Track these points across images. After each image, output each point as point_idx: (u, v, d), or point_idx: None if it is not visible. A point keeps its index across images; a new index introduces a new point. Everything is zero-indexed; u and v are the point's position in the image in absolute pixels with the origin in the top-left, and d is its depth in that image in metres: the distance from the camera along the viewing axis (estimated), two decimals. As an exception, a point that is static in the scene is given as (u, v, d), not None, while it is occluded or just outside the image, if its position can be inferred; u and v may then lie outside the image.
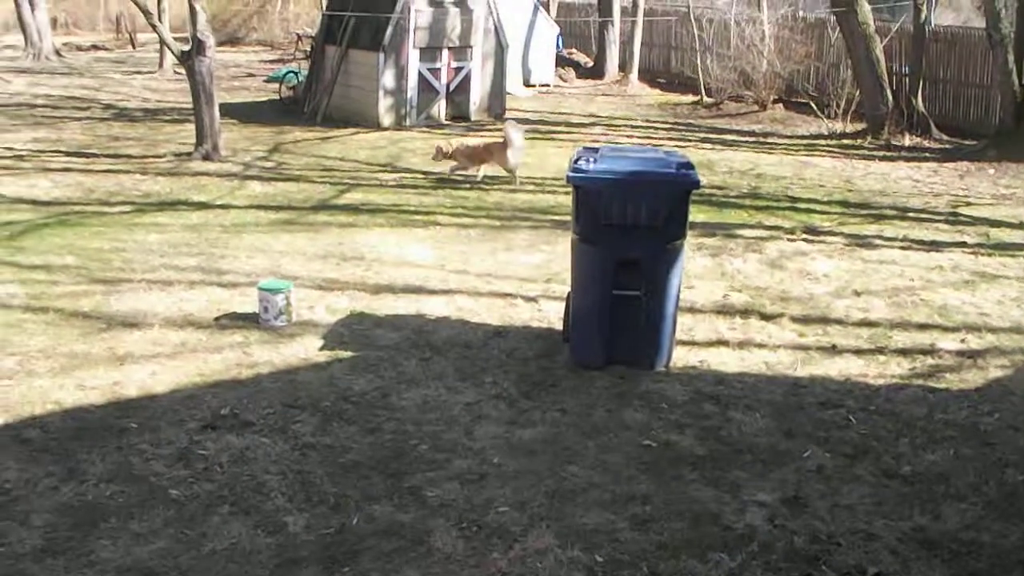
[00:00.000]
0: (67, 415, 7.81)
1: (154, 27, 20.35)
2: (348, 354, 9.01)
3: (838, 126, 22.17)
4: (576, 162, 8.41)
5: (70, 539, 6.10)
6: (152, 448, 7.24)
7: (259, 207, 14.68)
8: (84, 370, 8.63)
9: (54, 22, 46.65)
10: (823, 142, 21.36)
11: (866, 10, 21.45)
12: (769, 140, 21.60)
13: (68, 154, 18.93)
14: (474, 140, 17.07)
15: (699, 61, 27.10)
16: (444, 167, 16.50)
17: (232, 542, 6.07)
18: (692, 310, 10.13)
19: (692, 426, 7.69)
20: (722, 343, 9.45)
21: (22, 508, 6.45)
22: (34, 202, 15.00)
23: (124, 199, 15.27)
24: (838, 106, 22.31)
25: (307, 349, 9.15)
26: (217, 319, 9.85)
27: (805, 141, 21.57)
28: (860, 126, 21.87)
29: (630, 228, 8.27)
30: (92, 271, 11.41)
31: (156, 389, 8.24)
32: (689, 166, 8.41)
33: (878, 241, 13.10)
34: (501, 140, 16.33)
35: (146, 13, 19.54)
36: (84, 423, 7.65)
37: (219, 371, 8.67)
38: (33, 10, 38.83)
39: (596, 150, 8.87)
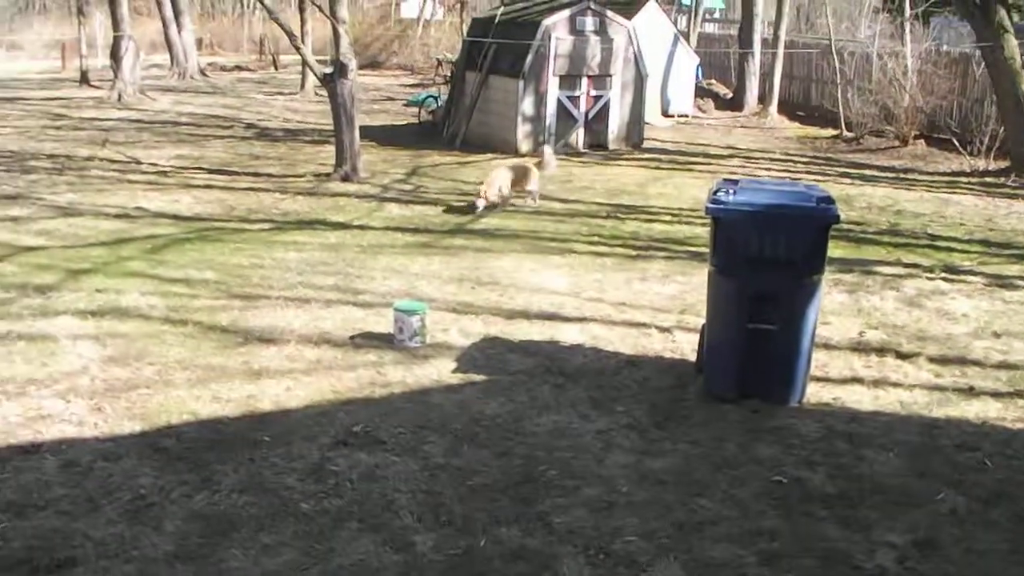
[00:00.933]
0: (202, 426, 7.97)
1: (298, 49, 20.73)
2: (481, 377, 9.07)
3: (981, 163, 21.77)
4: (715, 193, 8.36)
5: (201, 547, 6.22)
6: (284, 462, 7.36)
7: (396, 229, 14.86)
8: (220, 382, 8.80)
9: (199, 43, 47.76)
10: (965, 179, 20.98)
11: (1012, 44, 21.02)
12: (909, 176, 21.28)
13: (210, 171, 19.38)
14: (501, 170, 16.86)
15: (839, 95, 26.85)
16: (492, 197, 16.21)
17: (360, 558, 6.14)
18: (827, 346, 10.01)
19: (824, 463, 7.59)
20: (857, 381, 9.31)
21: (156, 514, 6.60)
22: (176, 217, 15.37)
23: (264, 217, 15.57)
24: (981, 143, 21.91)
25: (440, 371, 9.22)
26: (352, 338, 9.97)
27: (946, 178, 21.20)
28: (1004, 164, 21.42)
29: (768, 261, 8.21)
30: (231, 286, 11.64)
31: (290, 404, 8.37)
32: (829, 200, 8.32)
33: (1020, 282, 12.82)
34: (529, 164, 17.20)
35: (290, 35, 19.89)
36: (219, 434, 7.80)
37: (352, 389, 8.78)
38: (180, 31, 39.79)
39: (736, 182, 8.81)
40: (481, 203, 15.86)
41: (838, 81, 27.18)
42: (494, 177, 16.35)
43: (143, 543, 6.24)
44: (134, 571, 5.93)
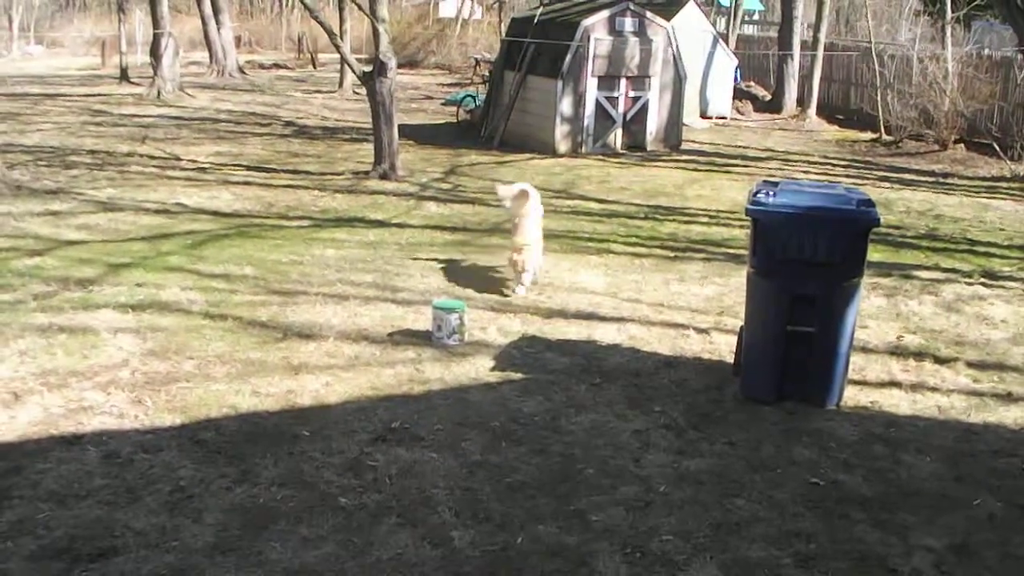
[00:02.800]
0: (242, 419, 8.02)
1: (337, 47, 20.82)
2: (519, 376, 9.10)
3: (1021, 168, 21.67)
4: (755, 195, 8.36)
5: (240, 538, 6.27)
6: (323, 456, 7.41)
7: (434, 227, 14.91)
8: (259, 377, 8.86)
9: (238, 40, 48.01)
10: (1005, 184, 20.89)
11: (1056, 50, 20.95)
12: (949, 181, 21.20)
13: (249, 168, 19.48)
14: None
15: (879, 98, 26.72)
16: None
17: (398, 552, 6.18)
18: (865, 350, 9.99)
19: (861, 466, 7.58)
20: (894, 384, 9.28)
21: (196, 506, 6.65)
22: (215, 213, 15.46)
23: (302, 214, 15.64)
24: (1022, 148, 21.79)
25: (478, 369, 9.26)
26: (390, 335, 10.02)
27: (986, 183, 21.12)
28: (1045, 169, 21.33)
29: (807, 264, 8.19)
30: (270, 282, 11.70)
31: (329, 399, 8.41)
32: (870, 203, 8.30)
33: (1060, 289, 12.78)
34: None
35: (331, 34, 19.95)
36: (258, 428, 7.85)
37: (391, 385, 8.81)
38: (219, 28, 40.04)
39: (775, 184, 8.81)
40: (527, 279, 11.77)
41: (878, 84, 27.07)
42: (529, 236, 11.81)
43: (183, 534, 6.29)
44: (174, 561, 5.98)
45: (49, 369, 8.89)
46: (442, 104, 31.43)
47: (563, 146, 22.53)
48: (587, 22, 22.22)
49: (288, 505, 6.69)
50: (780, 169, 21.13)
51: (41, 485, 6.85)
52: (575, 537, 6.41)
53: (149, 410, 8.12)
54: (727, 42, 32.81)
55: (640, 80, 23.10)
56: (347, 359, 9.39)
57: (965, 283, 12.75)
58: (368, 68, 19.18)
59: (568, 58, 22.15)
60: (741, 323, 9.15)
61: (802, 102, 31.16)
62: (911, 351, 10.14)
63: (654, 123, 23.57)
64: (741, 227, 14.86)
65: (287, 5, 64.09)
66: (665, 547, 6.33)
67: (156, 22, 32.96)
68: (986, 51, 27.80)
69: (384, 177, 18.51)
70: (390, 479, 7.09)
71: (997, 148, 22.81)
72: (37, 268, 11.96)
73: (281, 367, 9.11)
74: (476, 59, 36.53)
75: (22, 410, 8.05)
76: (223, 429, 7.82)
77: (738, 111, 31.06)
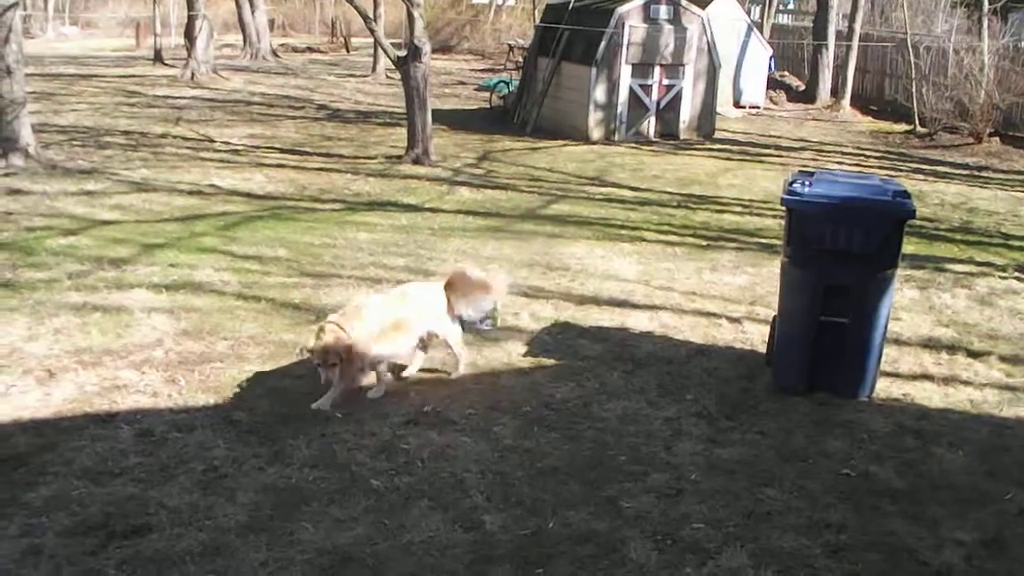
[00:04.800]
0: (275, 400, 8.06)
1: (372, 31, 20.83)
2: (551, 362, 9.10)
3: (1057, 163, 21.56)
4: (791, 185, 8.33)
5: (272, 518, 6.31)
6: (356, 438, 7.43)
7: (467, 212, 14.93)
8: (292, 358, 8.88)
9: (272, 24, 48.11)
10: (1041, 178, 20.78)
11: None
12: (983, 174, 21.09)
13: (282, 151, 19.54)
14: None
15: (914, 89, 26.58)
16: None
17: (430, 535, 6.19)
18: (897, 342, 9.96)
19: (892, 459, 7.55)
20: (926, 377, 9.24)
21: (229, 485, 6.70)
22: (248, 195, 15.52)
23: (335, 197, 15.69)
24: (1058, 142, 21.70)
25: (511, 354, 9.27)
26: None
27: (1021, 176, 20.99)
28: (1081, 163, 21.20)
29: (842, 254, 8.15)
30: (302, 264, 11.74)
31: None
32: (905, 194, 8.26)
33: (1095, 283, 12.71)
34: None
35: (365, 17, 19.96)
36: (291, 409, 7.88)
37: (423, 369, 8.83)
38: (253, 11, 40.11)
39: (811, 174, 8.78)
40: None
41: (913, 76, 26.91)
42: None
43: (216, 513, 6.33)
44: (207, 539, 6.02)
45: (83, 347, 8.95)
46: (475, 90, 31.45)
47: (596, 133, 22.53)
48: (622, 9, 22.18)
49: (320, 486, 6.72)
50: (813, 160, 21.05)
51: (75, 462, 6.90)
52: (606, 523, 6.42)
53: (183, 389, 8.17)
54: (761, 31, 32.70)
55: (674, 68, 23.06)
56: (380, 342, 9.40)
57: (999, 277, 12.69)
58: (402, 53, 19.19)
59: (602, 45, 22.12)
60: (774, 313, 9.13)
61: (836, 93, 31.02)
62: (944, 344, 10.09)
63: (687, 111, 23.52)
64: (774, 217, 14.82)
65: (321, -12, 64.15)
66: (696, 535, 6.33)
67: (190, 4, 33.04)
68: (1023, 44, 27.60)
69: (417, 162, 18.54)
70: (422, 462, 7.11)
71: (1032, 142, 22.66)
72: (71, 247, 12.03)
73: (314, 349, 9.14)
74: (510, 45, 36.51)
75: (57, 387, 8.11)
76: (256, 410, 7.86)
77: (771, 101, 30.96)
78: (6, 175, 15.91)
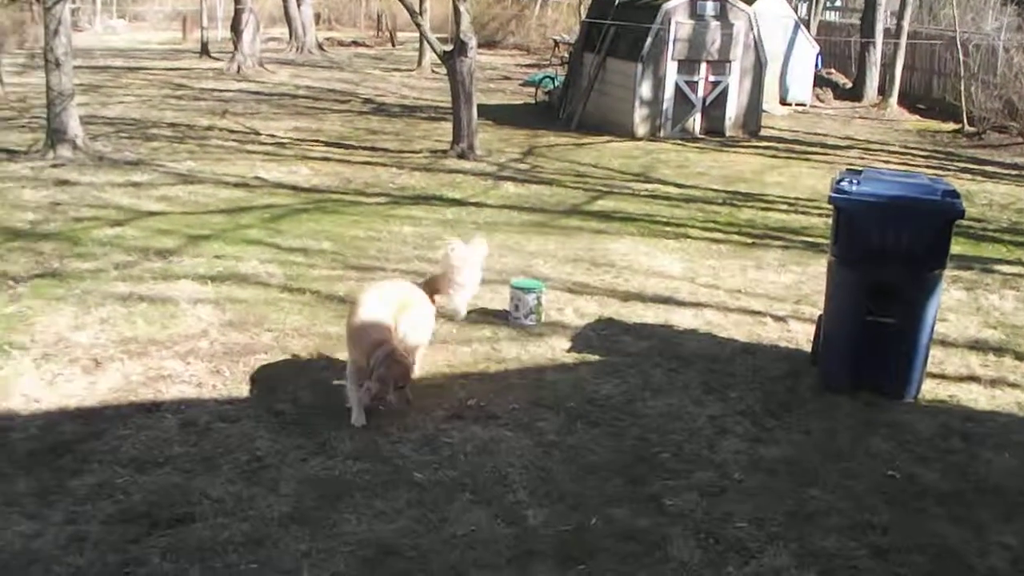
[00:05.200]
0: (318, 392, 8.08)
1: (418, 25, 20.90)
2: (595, 358, 9.07)
3: (1108, 165, 21.32)
4: (839, 183, 8.27)
5: (315, 509, 6.33)
6: (399, 432, 7.44)
7: (512, 207, 14.92)
8: (337, 351, 8.88)
9: (317, 17, 48.33)
10: (1091, 179, 20.55)
11: None
12: (1033, 174, 20.89)
13: (327, 144, 19.63)
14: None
15: (962, 88, 26.35)
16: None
17: (472, 529, 6.20)
18: (944, 343, 9.86)
19: (938, 460, 7.48)
20: (973, 379, 9.14)
21: (272, 476, 6.73)
22: (294, 188, 15.59)
23: (380, 191, 15.73)
24: (1110, 144, 21.46)
25: (554, 350, 9.25)
26: (467, 313, 10.01)
27: (1072, 178, 20.78)
28: None
29: (890, 254, 8.08)
30: (347, 257, 11.77)
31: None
32: (955, 194, 8.18)
33: None
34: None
35: (411, 12, 20.04)
36: (334, 402, 7.88)
37: (468, 363, 8.84)
38: (299, 5, 40.34)
39: (859, 172, 8.72)
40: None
41: (961, 74, 26.67)
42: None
43: (259, 503, 6.36)
44: (250, 530, 6.04)
45: (129, 337, 9.01)
46: (520, 85, 31.46)
47: (641, 129, 22.48)
48: (668, 5, 22.11)
49: (363, 478, 6.73)
50: (860, 158, 20.90)
51: (120, 451, 6.95)
52: (649, 521, 6.39)
53: (227, 380, 8.21)
54: (808, 28, 32.49)
55: (720, 65, 22.96)
56: (424, 336, 9.41)
57: (1048, 278, 12.57)
58: (448, 47, 19.21)
59: (648, 41, 22.07)
60: (819, 312, 9.08)
61: (883, 91, 30.79)
62: (991, 346, 9.99)
63: (733, 108, 23.43)
64: (820, 215, 14.73)
65: (368, -18, 64.30)
66: (739, 534, 6.30)
67: (237, -2, 33.24)
68: (1076, 42, 27.33)
69: (462, 156, 18.56)
70: (465, 456, 7.12)
71: (1083, 142, 22.41)
72: (118, 238, 12.11)
73: (359, 341, 9.15)
74: (555, 40, 36.52)
75: (102, 377, 8.17)
76: (300, 401, 7.89)
77: (818, 98, 30.77)
78: (54, 166, 16.05)
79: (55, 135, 16.64)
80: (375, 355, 7.44)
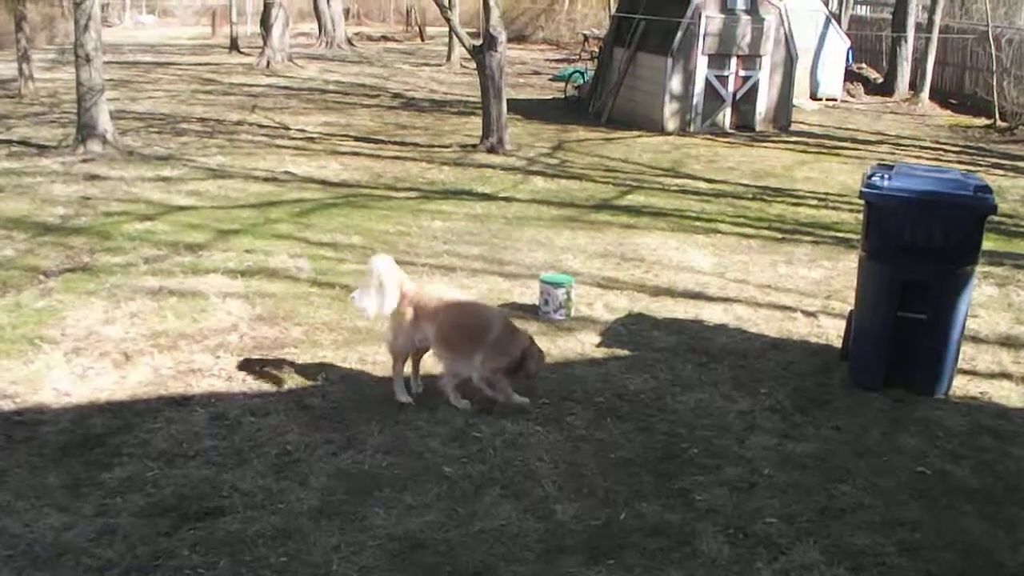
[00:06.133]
0: (348, 386, 8.10)
1: (448, 20, 20.87)
2: (625, 353, 9.07)
3: None
4: (870, 178, 8.24)
5: (345, 503, 6.35)
6: (428, 425, 7.46)
7: (542, 202, 14.92)
8: (366, 345, 8.92)
9: (347, 12, 48.41)
10: (1123, 176, 20.39)
11: None
12: (1065, 170, 20.73)
13: (356, 139, 19.65)
14: None
15: (995, 83, 26.21)
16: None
17: (501, 523, 6.20)
18: (975, 339, 9.82)
19: (969, 457, 7.44)
20: (1005, 376, 9.10)
21: (301, 470, 6.75)
22: (324, 182, 15.61)
23: (410, 185, 15.74)
24: None
25: (584, 344, 9.25)
26: (498, 307, 10.04)
27: (1104, 173, 20.63)
28: None
29: (921, 249, 8.05)
30: (377, 252, 11.73)
31: (435, 370, 8.42)
32: (987, 190, 8.13)
33: None
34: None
35: (441, 7, 20.07)
36: (364, 396, 7.92)
37: (497, 358, 8.83)
38: (328, 1, 40.19)
39: (890, 167, 8.67)
40: None
41: (994, 69, 26.52)
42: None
43: (289, 497, 6.37)
44: (279, 523, 6.06)
45: (159, 331, 9.05)
46: (550, 80, 31.43)
47: (671, 124, 22.43)
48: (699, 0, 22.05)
49: (393, 472, 6.75)
50: (891, 153, 20.80)
51: (151, 444, 6.98)
52: (678, 516, 6.39)
53: (257, 374, 8.24)
54: (839, 23, 32.34)
55: (751, 59, 22.89)
56: (453, 331, 9.41)
57: (1080, 275, 12.47)
58: (477, 42, 19.21)
59: (678, 35, 22.01)
60: (850, 307, 9.05)
61: (915, 86, 30.66)
62: (1023, 343, 9.94)
63: (764, 103, 23.35)
64: (850, 211, 14.69)
65: (397, -22, 64.36)
66: (768, 530, 6.28)
67: (267, -7, 33.32)
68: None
69: (492, 151, 18.56)
70: (495, 450, 7.12)
71: (1116, 138, 22.25)
72: (148, 232, 12.16)
73: (387, 336, 9.17)
74: (585, 35, 36.41)
75: (133, 370, 8.20)
76: (329, 395, 7.90)
77: (849, 93, 30.66)
78: (84, 161, 16.12)
79: (85, 130, 16.71)
80: (524, 349, 7.74)
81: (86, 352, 8.51)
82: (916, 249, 8.07)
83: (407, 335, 7.87)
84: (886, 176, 8.24)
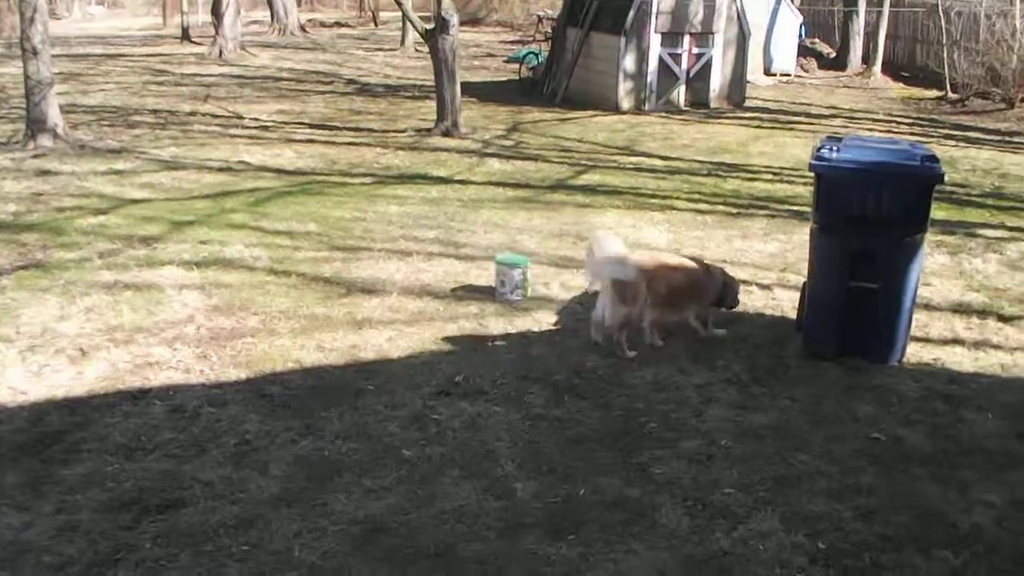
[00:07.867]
0: (306, 374, 8.10)
1: (399, 4, 20.95)
2: (582, 331, 9.08)
3: (1090, 127, 21.34)
4: (819, 150, 8.29)
5: (305, 490, 6.35)
6: (387, 410, 7.47)
7: (497, 184, 14.94)
8: (323, 332, 8.93)
9: (299, -1, 48.06)
10: (1073, 143, 20.57)
11: None
12: (1015, 139, 20.85)
13: (311, 126, 19.61)
14: None
15: (945, 55, 26.36)
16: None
17: (461, 503, 6.23)
18: (928, 307, 9.91)
19: (922, 423, 7.52)
20: (957, 342, 9.18)
21: (261, 458, 6.74)
22: (279, 171, 15.58)
23: (365, 171, 15.73)
24: (1091, 106, 21.48)
25: (541, 324, 9.28)
26: (453, 290, 10.06)
27: (1055, 141, 20.81)
28: (1115, 127, 20.98)
29: (870, 219, 8.11)
30: (333, 239, 11.77)
31: (392, 354, 8.47)
32: (934, 159, 8.20)
33: None
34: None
35: (393, -9, 20.02)
36: (322, 382, 7.93)
37: (454, 340, 8.86)
38: (280, -13, 40.05)
39: (839, 139, 8.73)
40: None
41: (944, 41, 26.70)
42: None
43: (249, 486, 6.38)
44: (241, 512, 6.07)
45: (115, 325, 9.02)
46: (504, 62, 31.45)
47: (626, 103, 22.49)
48: (650, -22, 22.10)
49: (352, 458, 6.76)
50: (844, 127, 20.89)
51: (109, 439, 6.96)
52: (637, 489, 6.43)
53: (214, 365, 8.23)
54: (791, -2, 32.49)
55: (704, 37, 22.97)
56: (410, 314, 9.44)
57: (1031, 241, 12.59)
58: (430, 25, 19.20)
59: (631, 15, 22.06)
60: (804, 279, 9.11)
61: (867, 59, 30.84)
62: (975, 309, 10.03)
63: (717, 80, 23.44)
64: (804, 184, 14.75)
65: (349, -37, 64.13)
66: (727, 500, 6.34)
67: (218, -19, 33.16)
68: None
69: (446, 134, 18.58)
70: (453, 432, 7.14)
71: (1066, 105, 22.43)
72: (102, 226, 12.10)
73: (345, 322, 9.18)
74: (539, 16, 36.36)
75: (89, 366, 8.17)
76: (288, 383, 7.90)
77: (802, 68, 30.80)
78: (35, 156, 16.02)
79: (35, 125, 16.60)
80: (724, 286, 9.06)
81: (42, 349, 8.47)
82: (866, 219, 8.13)
83: (639, 302, 8.60)
84: (835, 148, 8.30)
